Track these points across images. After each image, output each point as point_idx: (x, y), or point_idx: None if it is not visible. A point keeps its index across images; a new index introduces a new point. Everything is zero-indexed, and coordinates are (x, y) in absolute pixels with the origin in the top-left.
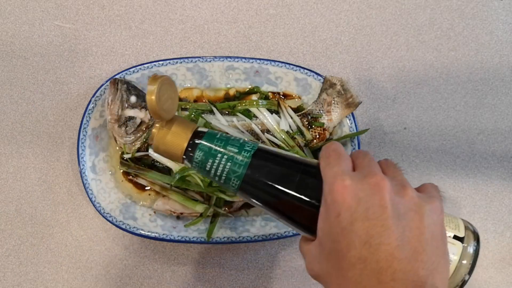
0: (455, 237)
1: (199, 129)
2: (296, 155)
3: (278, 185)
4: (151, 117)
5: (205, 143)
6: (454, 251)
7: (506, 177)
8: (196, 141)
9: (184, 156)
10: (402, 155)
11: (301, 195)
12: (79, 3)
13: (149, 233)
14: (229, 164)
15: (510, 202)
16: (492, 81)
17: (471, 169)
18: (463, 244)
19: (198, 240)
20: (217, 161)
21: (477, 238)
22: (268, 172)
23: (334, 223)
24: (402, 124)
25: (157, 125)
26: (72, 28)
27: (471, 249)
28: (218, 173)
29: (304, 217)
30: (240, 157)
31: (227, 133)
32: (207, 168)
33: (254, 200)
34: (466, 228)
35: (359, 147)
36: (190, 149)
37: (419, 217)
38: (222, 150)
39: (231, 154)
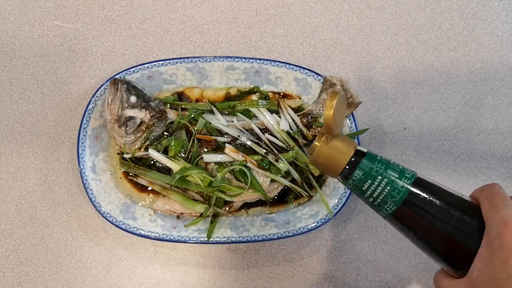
0: None
1: (359, 148)
2: (453, 190)
3: (436, 218)
4: (151, 117)
5: (367, 163)
6: None
7: (506, 177)
8: (357, 160)
9: (341, 173)
10: (402, 155)
11: (458, 232)
12: (79, 3)
13: (149, 233)
14: (388, 188)
15: None
16: (492, 81)
17: (471, 169)
18: None
19: (198, 240)
20: (376, 183)
21: None
22: (427, 203)
23: (499, 267)
24: (402, 124)
25: (321, 138)
26: (72, 28)
27: None
28: (374, 195)
29: (456, 254)
30: (400, 183)
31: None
32: (364, 188)
33: (405, 228)
34: None
35: None
36: (348, 166)
37: None
38: (382, 173)
39: (392, 178)
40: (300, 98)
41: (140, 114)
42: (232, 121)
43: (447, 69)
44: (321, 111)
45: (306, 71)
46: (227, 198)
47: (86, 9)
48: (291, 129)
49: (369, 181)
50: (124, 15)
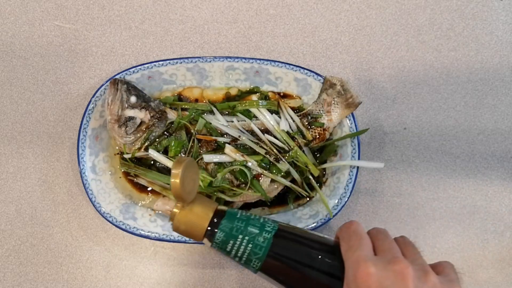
0: None
1: (219, 207)
2: (316, 234)
3: (300, 267)
4: (151, 117)
5: (226, 223)
6: None
7: (506, 177)
8: (217, 222)
9: (205, 236)
10: (402, 155)
11: (322, 277)
12: (79, 3)
13: (149, 233)
14: (250, 245)
15: (510, 202)
16: (492, 81)
17: (471, 169)
18: None
19: None
20: (238, 243)
21: None
22: (290, 254)
23: None
24: (402, 124)
25: (178, 204)
26: (72, 29)
27: None
28: (239, 255)
29: None
30: (261, 239)
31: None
32: (228, 249)
33: (274, 281)
34: None
35: (359, 147)
36: (210, 228)
37: None
38: (243, 231)
39: (252, 235)
40: (300, 98)
41: (140, 114)
42: (232, 121)
43: (447, 70)
44: (321, 111)
45: (306, 71)
46: (227, 198)
47: (86, 10)
48: (291, 129)
49: (232, 241)
50: (124, 15)
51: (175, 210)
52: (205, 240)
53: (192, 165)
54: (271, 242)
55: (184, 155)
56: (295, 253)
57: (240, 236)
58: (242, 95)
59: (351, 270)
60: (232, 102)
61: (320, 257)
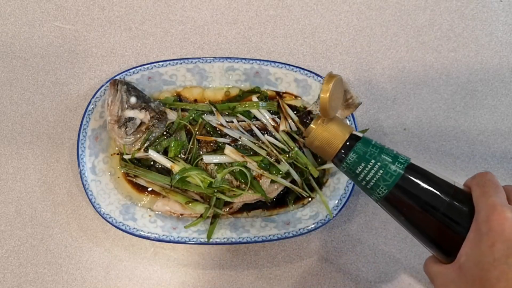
0: None
1: (354, 132)
2: (446, 177)
3: (427, 203)
4: (151, 118)
5: (361, 146)
6: None
7: (506, 178)
8: (352, 143)
9: (335, 155)
10: None
11: (448, 217)
12: (79, 4)
13: (149, 234)
14: (381, 171)
15: None
16: (492, 82)
17: (471, 170)
18: None
19: (198, 241)
20: (369, 166)
21: None
22: (419, 188)
23: (486, 252)
24: (402, 125)
25: (317, 121)
26: (72, 29)
27: None
28: (367, 178)
29: (445, 239)
30: (393, 167)
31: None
32: (357, 171)
33: (396, 212)
34: None
35: None
36: (343, 150)
37: None
38: (376, 156)
39: (385, 162)
40: (300, 99)
41: (140, 115)
42: (232, 122)
43: (447, 70)
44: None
45: (306, 72)
46: (227, 199)
47: (86, 10)
48: (291, 130)
49: (363, 164)
50: (124, 16)
51: (312, 125)
52: (335, 160)
53: (340, 83)
54: (402, 173)
55: (184, 156)
56: (423, 189)
57: (373, 161)
58: (244, 94)
59: (484, 212)
60: (232, 103)
61: (446, 197)
